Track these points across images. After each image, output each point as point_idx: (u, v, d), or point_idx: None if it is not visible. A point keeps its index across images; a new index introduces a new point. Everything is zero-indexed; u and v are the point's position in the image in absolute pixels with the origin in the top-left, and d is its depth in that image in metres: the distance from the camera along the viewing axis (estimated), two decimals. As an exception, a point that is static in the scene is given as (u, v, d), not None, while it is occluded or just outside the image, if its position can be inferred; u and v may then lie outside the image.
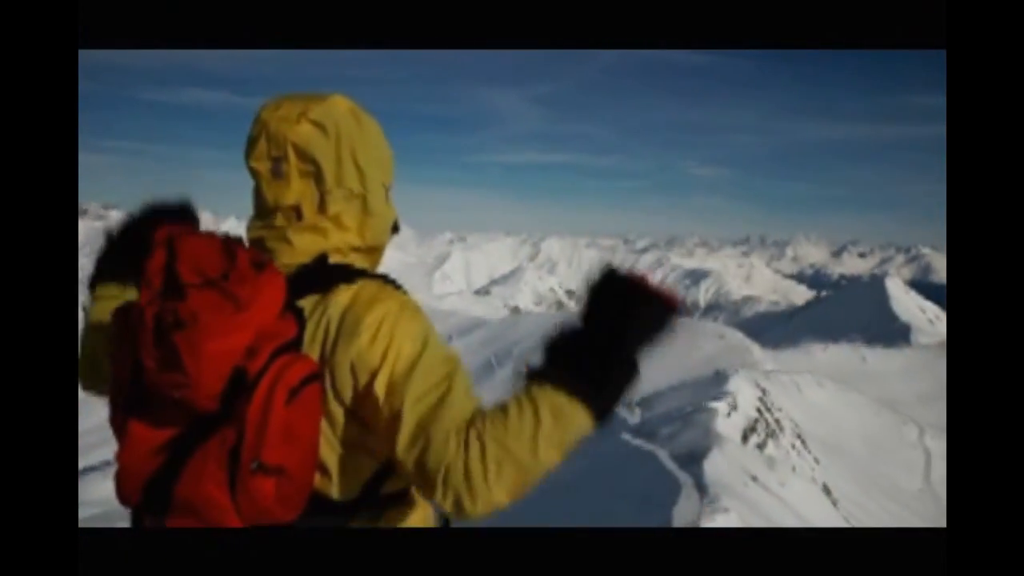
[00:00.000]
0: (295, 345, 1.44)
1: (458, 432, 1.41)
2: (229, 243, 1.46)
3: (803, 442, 31.06)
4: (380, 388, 1.44)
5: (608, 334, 1.45)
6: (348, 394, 1.48)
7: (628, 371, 1.47)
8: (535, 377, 1.46)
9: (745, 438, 27.75)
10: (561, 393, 1.42)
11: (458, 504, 1.41)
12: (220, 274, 1.39)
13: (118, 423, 1.47)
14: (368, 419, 1.48)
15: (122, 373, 1.44)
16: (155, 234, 1.47)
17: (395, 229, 1.73)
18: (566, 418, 1.42)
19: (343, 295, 1.51)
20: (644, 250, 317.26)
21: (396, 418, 1.43)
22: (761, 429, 29.50)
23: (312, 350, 1.48)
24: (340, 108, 1.60)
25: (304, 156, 1.56)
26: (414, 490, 1.64)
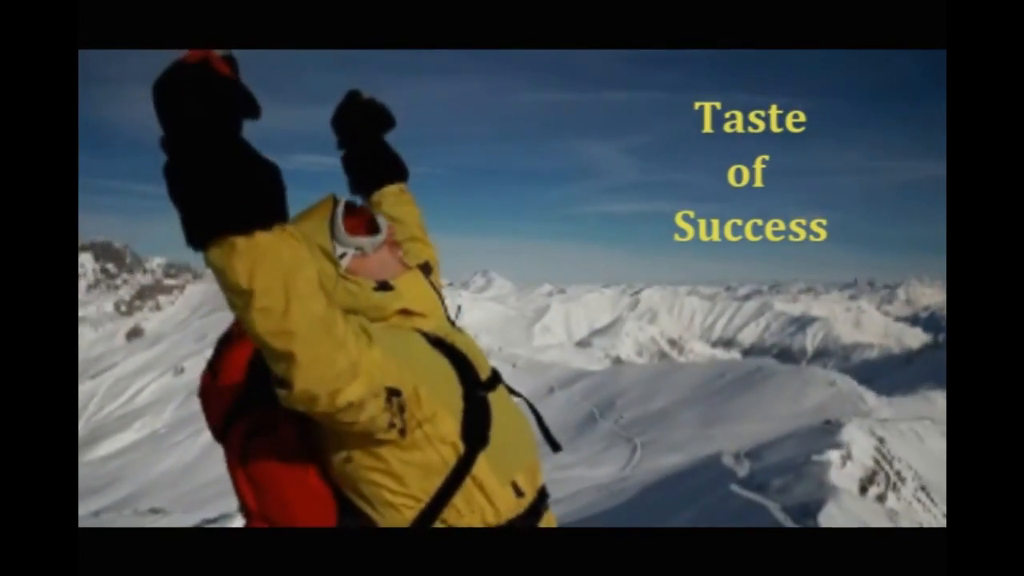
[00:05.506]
0: None
1: None
2: None
3: (928, 494, 29.34)
4: None
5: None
6: None
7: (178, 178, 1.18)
8: None
9: (863, 490, 26.39)
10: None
11: None
12: None
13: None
14: None
15: None
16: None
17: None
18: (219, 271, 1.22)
19: None
20: (747, 297, 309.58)
21: None
22: (880, 480, 28.03)
23: None
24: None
25: None
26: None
